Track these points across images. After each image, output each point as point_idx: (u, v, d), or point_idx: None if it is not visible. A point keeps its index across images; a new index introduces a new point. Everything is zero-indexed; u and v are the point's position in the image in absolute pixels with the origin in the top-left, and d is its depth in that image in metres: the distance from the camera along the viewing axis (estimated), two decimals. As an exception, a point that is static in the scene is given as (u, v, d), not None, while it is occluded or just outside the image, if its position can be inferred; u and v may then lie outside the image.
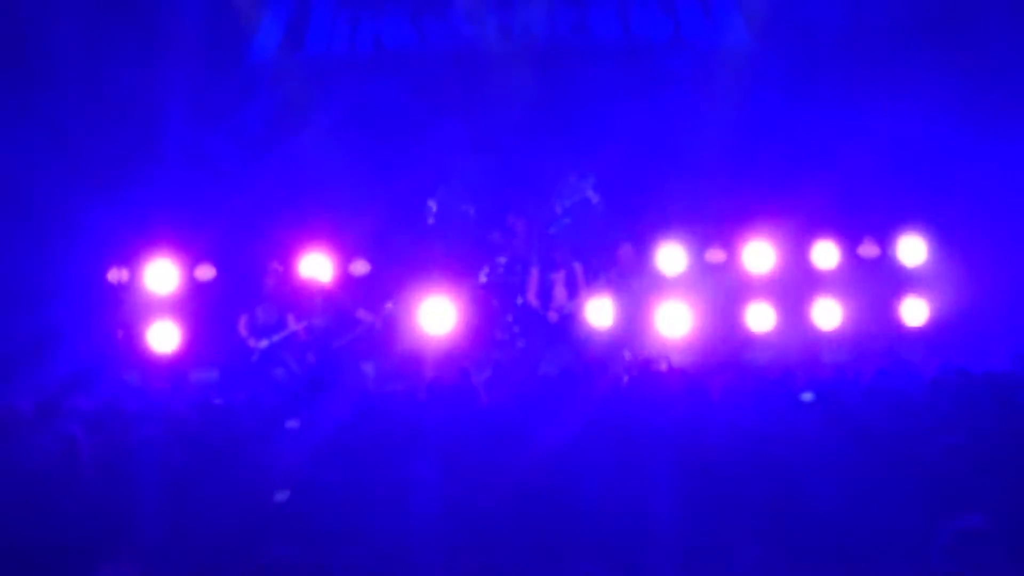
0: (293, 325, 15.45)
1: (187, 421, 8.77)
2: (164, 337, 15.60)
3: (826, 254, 16.70)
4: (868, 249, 16.78)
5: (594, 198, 17.13)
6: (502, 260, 16.57)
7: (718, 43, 17.53)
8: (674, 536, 6.33)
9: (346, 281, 15.88)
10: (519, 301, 16.07)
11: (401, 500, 6.44)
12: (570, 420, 7.75)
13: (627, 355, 14.97)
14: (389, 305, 15.68)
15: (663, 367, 12.05)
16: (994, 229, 16.70)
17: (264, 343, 15.32)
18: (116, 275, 15.71)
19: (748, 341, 16.26)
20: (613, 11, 17.56)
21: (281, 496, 7.88)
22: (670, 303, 15.50)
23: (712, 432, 7.37)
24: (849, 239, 16.91)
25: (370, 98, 17.72)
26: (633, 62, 17.59)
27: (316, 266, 16.07)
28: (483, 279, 16.44)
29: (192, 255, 16.65)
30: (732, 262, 16.62)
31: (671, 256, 15.92)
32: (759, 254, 16.49)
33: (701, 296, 15.60)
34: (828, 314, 16.41)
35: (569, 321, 15.32)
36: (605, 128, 17.65)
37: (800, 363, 15.83)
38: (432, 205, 17.08)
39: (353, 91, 17.69)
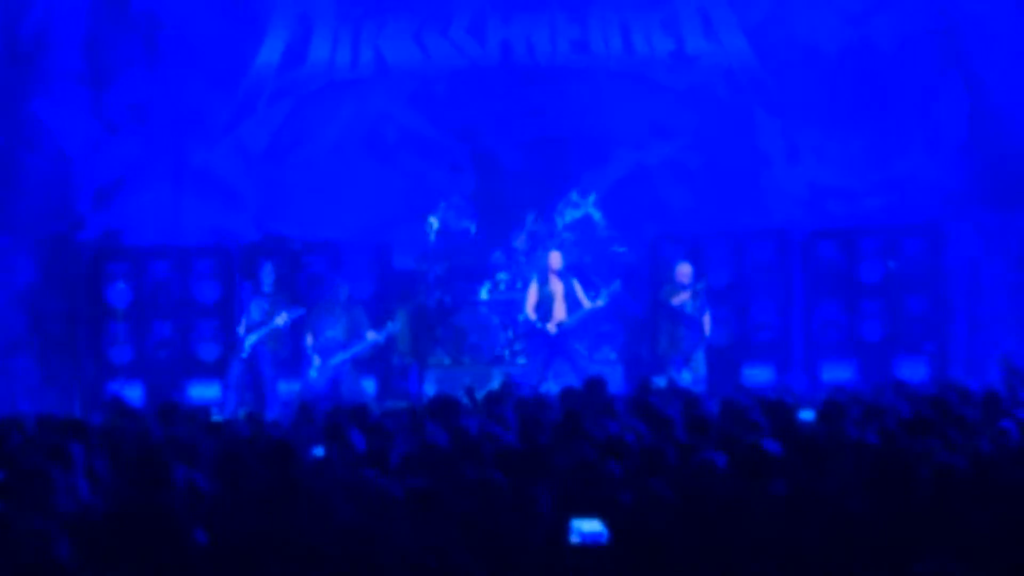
0: (278, 320, 15.22)
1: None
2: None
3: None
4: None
5: (595, 215, 17.16)
6: (503, 277, 16.58)
7: (720, 59, 17.54)
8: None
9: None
10: (521, 318, 16.10)
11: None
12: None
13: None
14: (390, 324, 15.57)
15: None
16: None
17: (253, 338, 15.15)
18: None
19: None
20: (614, 28, 17.57)
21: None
22: None
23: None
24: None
25: (371, 114, 17.75)
26: (634, 79, 17.60)
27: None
28: (484, 296, 16.46)
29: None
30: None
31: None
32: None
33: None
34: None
35: (569, 338, 15.30)
36: (607, 144, 17.68)
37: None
38: (433, 222, 17.10)
39: (354, 107, 17.71)
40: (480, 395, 11.74)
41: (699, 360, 15.23)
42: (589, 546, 6.08)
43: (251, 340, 15.10)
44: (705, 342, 15.33)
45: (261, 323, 15.15)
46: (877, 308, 16.61)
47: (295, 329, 15.40)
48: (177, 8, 17.21)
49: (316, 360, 15.12)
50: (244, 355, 15.14)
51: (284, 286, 15.67)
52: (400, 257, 17.10)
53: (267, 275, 15.37)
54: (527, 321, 15.36)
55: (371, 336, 15.11)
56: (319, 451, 8.49)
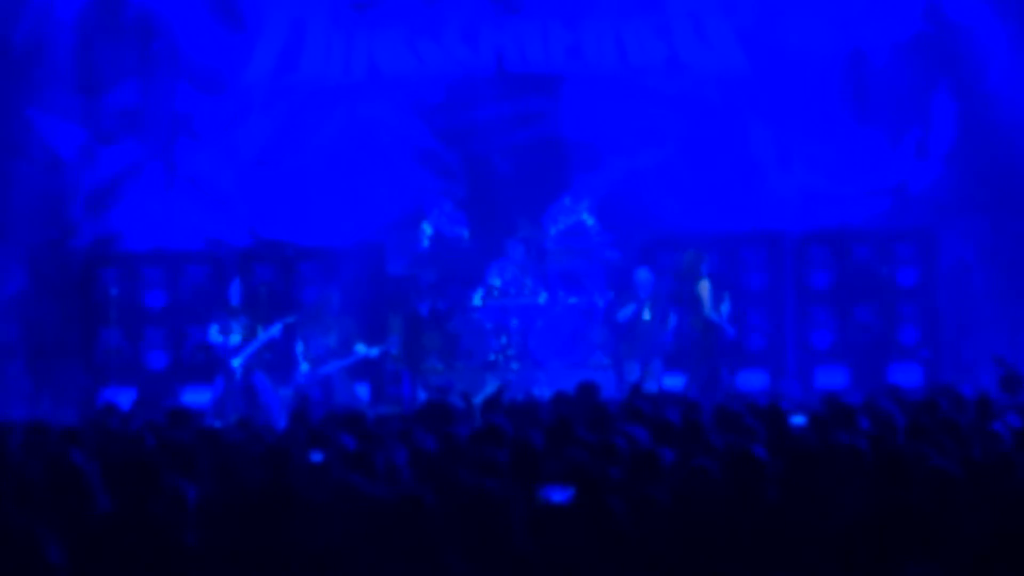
0: (263, 335, 15.17)
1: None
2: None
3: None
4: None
5: (588, 220, 17.17)
6: (497, 283, 16.58)
7: (713, 67, 17.56)
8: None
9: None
10: (513, 323, 16.13)
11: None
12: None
13: None
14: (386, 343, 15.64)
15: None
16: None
17: (239, 360, 15.09)
18: None
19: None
20: (608, 35, 17.59)
21: None
22: None
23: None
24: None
25: (364, 120, 17.74)
26: (627, 85, 17.62)
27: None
28: (478, 302, 16.46)
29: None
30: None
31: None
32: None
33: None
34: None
35: None
36: (600, 150, 17.69)
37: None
38: (426, 228, 17.10)
39: (347, 113, 17.71)
40: (476, 401, 11.76)
41: (656, 367, 15.29)
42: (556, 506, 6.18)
43: (238, 362, 15.03)
44: (665, 348, 15.40)
45: (245, 341, 15.09)
46: (870, 313, 16.65)
47: (285, 335, 15.39)
48: (170, 15, 17.21)
49: (305, 367, 15.15)
50: (237, 377, 15.07)
51: (253, 299, 15.61)
52: (393, 263, 17.11)
53: (234, 291, 15.32)
54: (710, 322, 15.15)
55: (361, 350, 15.22)
56: (316, 456, 8.47)
